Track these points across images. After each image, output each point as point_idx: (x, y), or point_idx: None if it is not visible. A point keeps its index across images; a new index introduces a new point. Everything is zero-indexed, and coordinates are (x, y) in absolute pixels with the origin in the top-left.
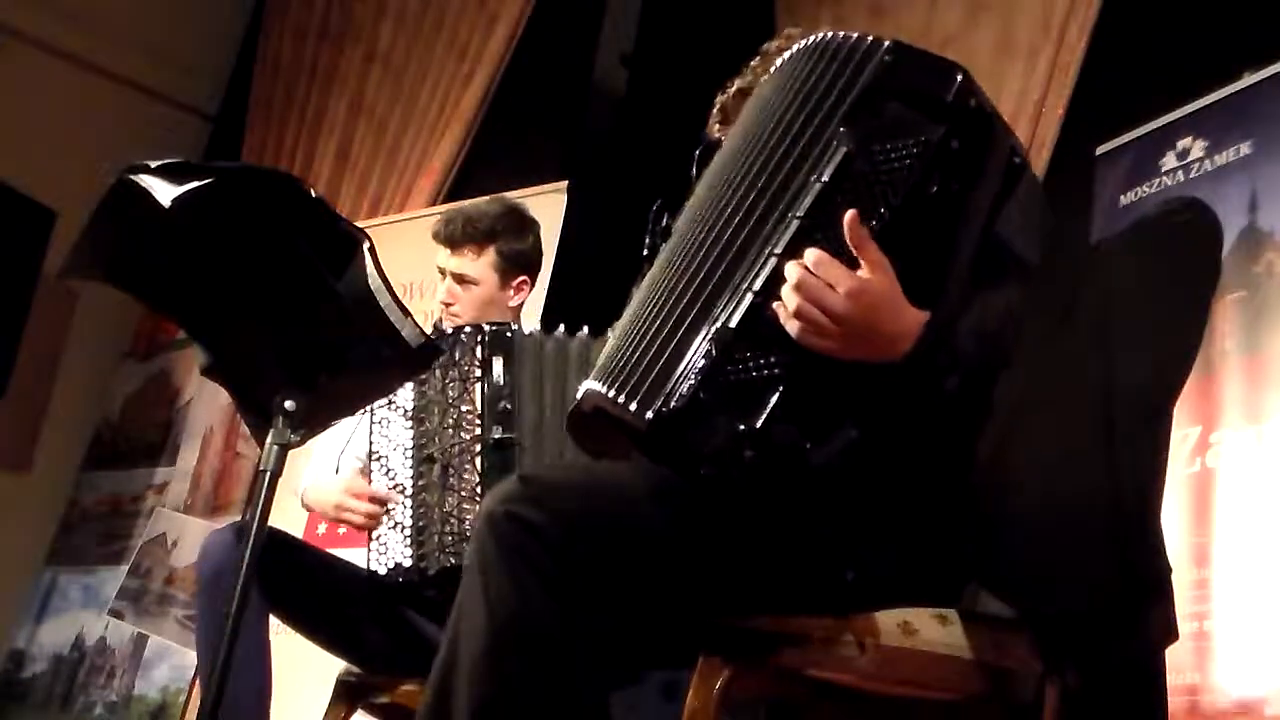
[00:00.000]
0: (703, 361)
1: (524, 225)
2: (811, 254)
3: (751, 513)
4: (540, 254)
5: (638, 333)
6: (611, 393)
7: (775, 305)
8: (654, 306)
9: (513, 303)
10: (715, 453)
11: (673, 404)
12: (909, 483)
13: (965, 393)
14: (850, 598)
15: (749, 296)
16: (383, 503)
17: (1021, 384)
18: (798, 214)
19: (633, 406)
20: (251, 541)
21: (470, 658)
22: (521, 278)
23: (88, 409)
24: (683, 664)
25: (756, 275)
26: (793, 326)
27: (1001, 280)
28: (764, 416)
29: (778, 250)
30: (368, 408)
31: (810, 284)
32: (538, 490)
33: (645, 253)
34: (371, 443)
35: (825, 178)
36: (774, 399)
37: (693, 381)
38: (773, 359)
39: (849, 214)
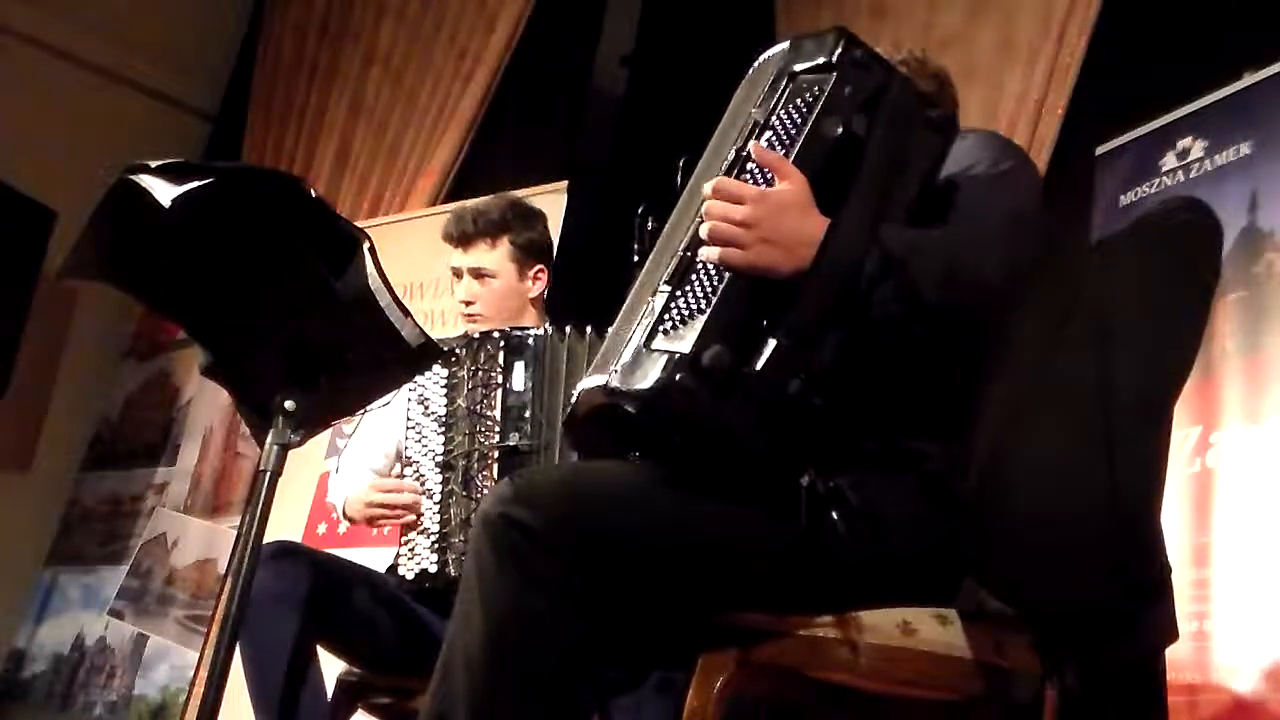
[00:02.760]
0: (645, 321)
1: (532, 215)
2: (711, 184)
3: (717, 458)
4: (551, 243)
5: (617, 327)
6: (591, 381)
7: (699, 249)
8: (630, 301)
9: (532, 294)
10: (653, 387)
11: (621, 362)
12: (854, 394)
13: (903, 306)
14: (837, 577)
15: (677, 256)
16: (414, 493)
17: (1022, 384)
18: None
19: (599, 381)
20: (251, 541)
21: (468, 659)
22: (538, 266)
23: (88, 409)
24: (682, 664)
25: (683, 237)
26: (712, 252)
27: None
28: (692, 342)
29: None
30: (406, 414)
31: (714, 205)
32: (530, 491)
33: (635, 259)
34: (406, 448)
35: (737, 145)
36: (700, 326)
37: (636, 339)
38: (700, 294)
39: (754, 145)
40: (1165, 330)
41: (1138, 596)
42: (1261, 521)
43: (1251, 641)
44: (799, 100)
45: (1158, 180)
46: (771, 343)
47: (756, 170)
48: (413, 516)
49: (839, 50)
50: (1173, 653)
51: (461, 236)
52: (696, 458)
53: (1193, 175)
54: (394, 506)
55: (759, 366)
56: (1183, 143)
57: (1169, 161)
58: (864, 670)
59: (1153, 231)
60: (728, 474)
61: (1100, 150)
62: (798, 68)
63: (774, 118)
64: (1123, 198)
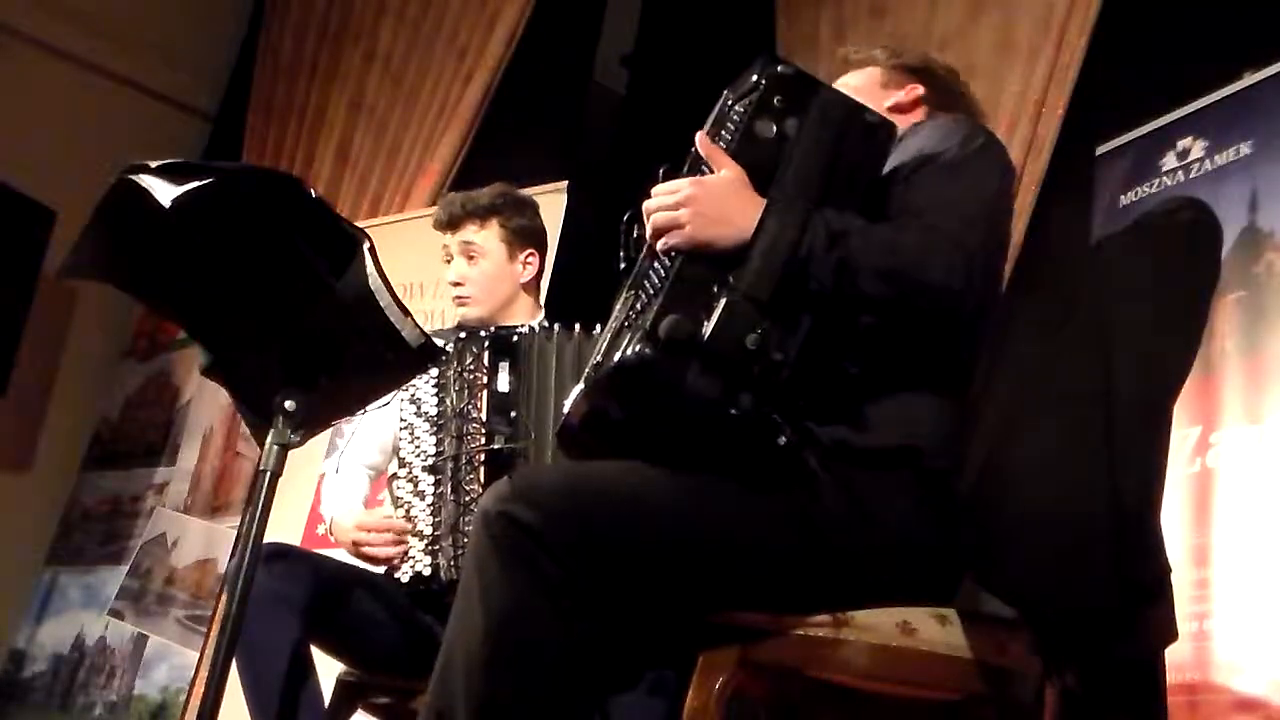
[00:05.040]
0: (615, 323)
1: (523, 202)
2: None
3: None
4: (544, 232)
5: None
6: (575, 389)
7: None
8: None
9: (523, 278)
10: (619, 363)
11: (594, 362)
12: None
13: (837, 288)
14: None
15: (638, 266)
16: (399, 532)
17: (1021, 383)
18: None
19: (580, 386)
20: (251, 541)
21: (468, 657)
22: (529, 250)
23: (88, 409)
24: (681, 663)
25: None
26: (660, 244)
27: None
28: (651, 318)
29: None
30: (399, 414)
31: (653, 200)
32: (530, 489)
33: (622, 265)
34: (400, 448)
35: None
36: (656, 306)
37: (608, 339)
38: (656, 282)
39: (699, 135)
40: (1165, 330)
41: (1137, 597)
42: (1261, 521)
43: (1251, 641)
44: (735, 117)
45: (1158, 180)
46: (722, 302)
47: (703, 168)
48: (398, 546)
49: (764, 68)
50: (1173, 653)
51: (450, 219)
52: (680, 438)
53: (1193, 175)
54: (377, 547)
55: (712, 325)
56: (1183, 143)
57: (1169, 161)
58: (864, 670)
59: (1153, 231)
60: (708, 449)
61: (1100, 150)
62: (732, 100)
63: (716, 132)
64: (1123, 198)
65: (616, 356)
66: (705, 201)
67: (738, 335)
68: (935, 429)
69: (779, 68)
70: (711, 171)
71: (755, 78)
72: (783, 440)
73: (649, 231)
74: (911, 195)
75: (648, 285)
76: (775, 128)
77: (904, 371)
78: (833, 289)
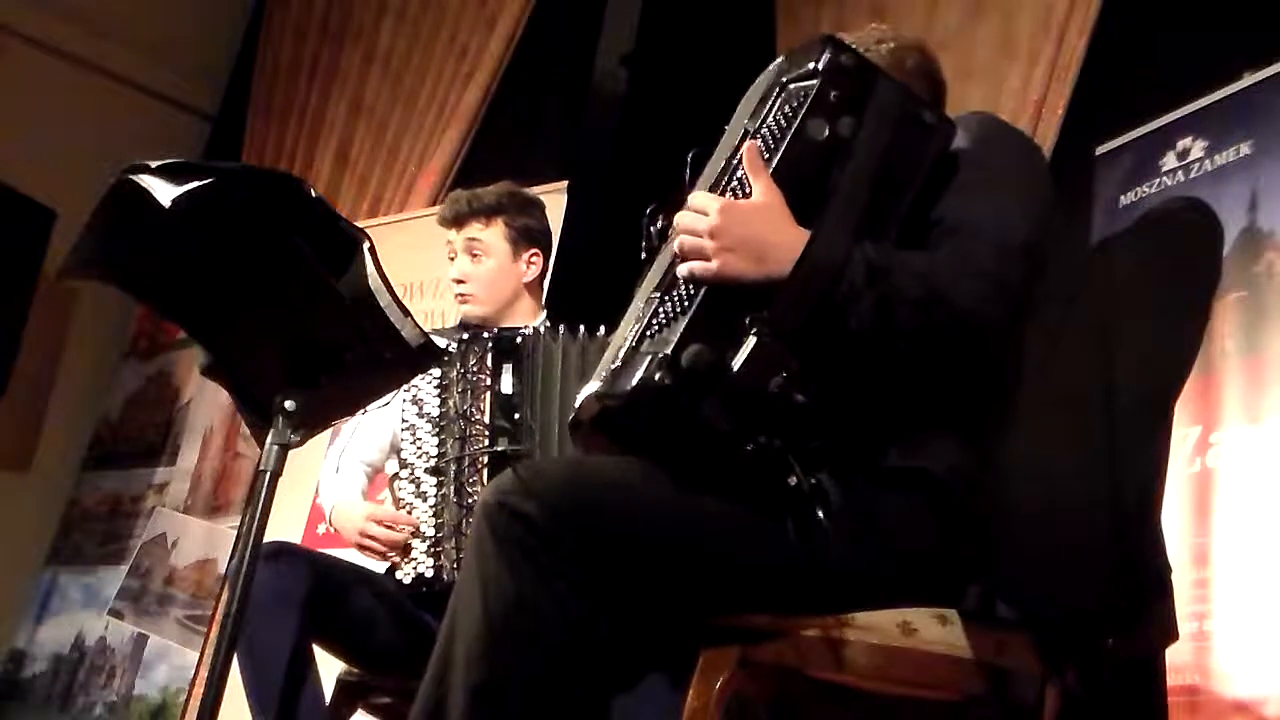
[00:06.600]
0: (635, 326)
1: (528, 202)
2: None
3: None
4: (549, 233)
5: (616, 333)
6: (587, 389)
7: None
8: (631, 307)
9: (527, 277)
10: (633, 387)
11: (611, 367)
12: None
13: (877, 323)
14: (835, 585)
15: (667, 263)
16: (407, 524)
17: (1023, 384)
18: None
19: (593, 388)
20: (251, 541)
21: (466, 645)
22: (533, 250)
23: (88, 409)
24: (682, 663)
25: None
26: (683, 269)
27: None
28: (673, 344)
29: None
30: (401, 414)
31: (682, 218)
32: (531, 481)
33: (644, 256)
34: (401, 450)
35: (728, 155)
36: (681, 327)
37: (626, 344)
38: (683, 296)
39: (748, 145)
40: (1166, 330)
41: (1138, 597)
42: (1261, 521)
43: (1251, 641)
44: (787, 107)
45: (1158, 180)
46: (751, 340)
47: (741, 180)
48: (403, 542)
49: (825, 56)
50: (1173, 653)
51: (455, 217)
52: (690, 459)
53: (1193, 175)
54: (385, 543)
55: (738, 364)
56: (1183, 143)
57: (1169, 161)
58: (864, 670)
59: (1153, 231)
60: (718, 474)
61: (1100, 150)
62: (787, 78)
63: (763, 126)
64: (1123, 198)
65: (635, 379)
66: (733, 234)
67: (762, 377)
68: (953, 456)
69: (841, 57)
70: (746, 193)
71: (813, 65)
72: (793, 481)
73: (675, 248)
74: (947, 205)
75: (675, 296)
76: (828, 129)
77: (926, 398)
78: (872, 325)
